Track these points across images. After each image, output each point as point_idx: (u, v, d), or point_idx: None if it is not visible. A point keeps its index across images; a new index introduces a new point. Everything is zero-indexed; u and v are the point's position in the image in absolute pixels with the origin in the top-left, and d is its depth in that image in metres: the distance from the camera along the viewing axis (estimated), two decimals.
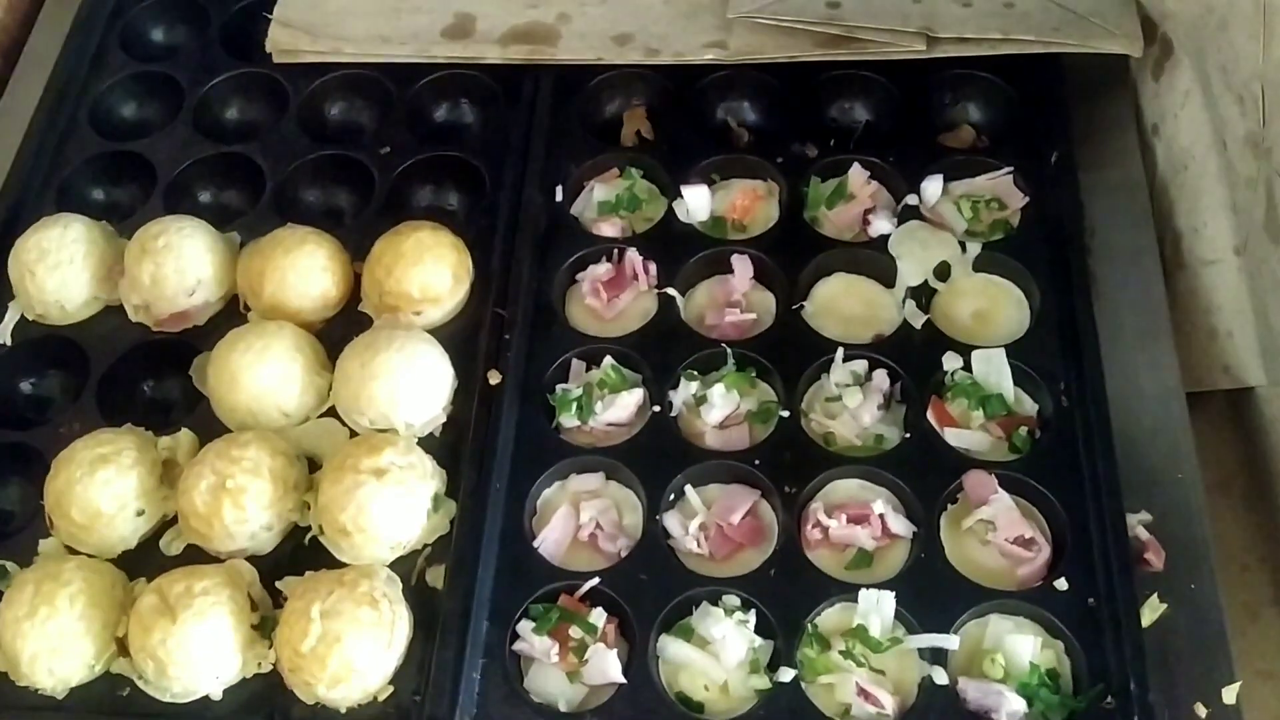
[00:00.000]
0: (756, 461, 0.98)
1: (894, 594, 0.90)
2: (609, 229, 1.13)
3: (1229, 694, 0.88)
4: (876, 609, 0.90)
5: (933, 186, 1.12)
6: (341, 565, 0.96)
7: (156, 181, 1.20)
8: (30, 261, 1.09)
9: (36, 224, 1.13)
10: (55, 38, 1.33)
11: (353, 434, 1.03)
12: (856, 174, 1.14)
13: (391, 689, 0.91)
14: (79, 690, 0.93)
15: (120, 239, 1.14)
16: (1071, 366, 1.01)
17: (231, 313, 1.12)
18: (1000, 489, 0.95)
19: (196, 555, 0.98)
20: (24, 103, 1.29)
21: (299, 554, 0.98)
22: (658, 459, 1.00)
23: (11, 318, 1.12)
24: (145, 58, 1.32)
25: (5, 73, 1.37)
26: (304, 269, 1.07)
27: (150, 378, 1.11)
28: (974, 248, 1.08)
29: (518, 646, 0.92)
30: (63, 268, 1.09)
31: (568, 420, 1.03)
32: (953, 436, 0.99)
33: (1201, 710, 0.87)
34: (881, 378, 1.02)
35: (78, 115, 1.26)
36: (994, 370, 1.01)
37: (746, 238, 1.13)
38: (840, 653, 0.89)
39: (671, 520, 0.97)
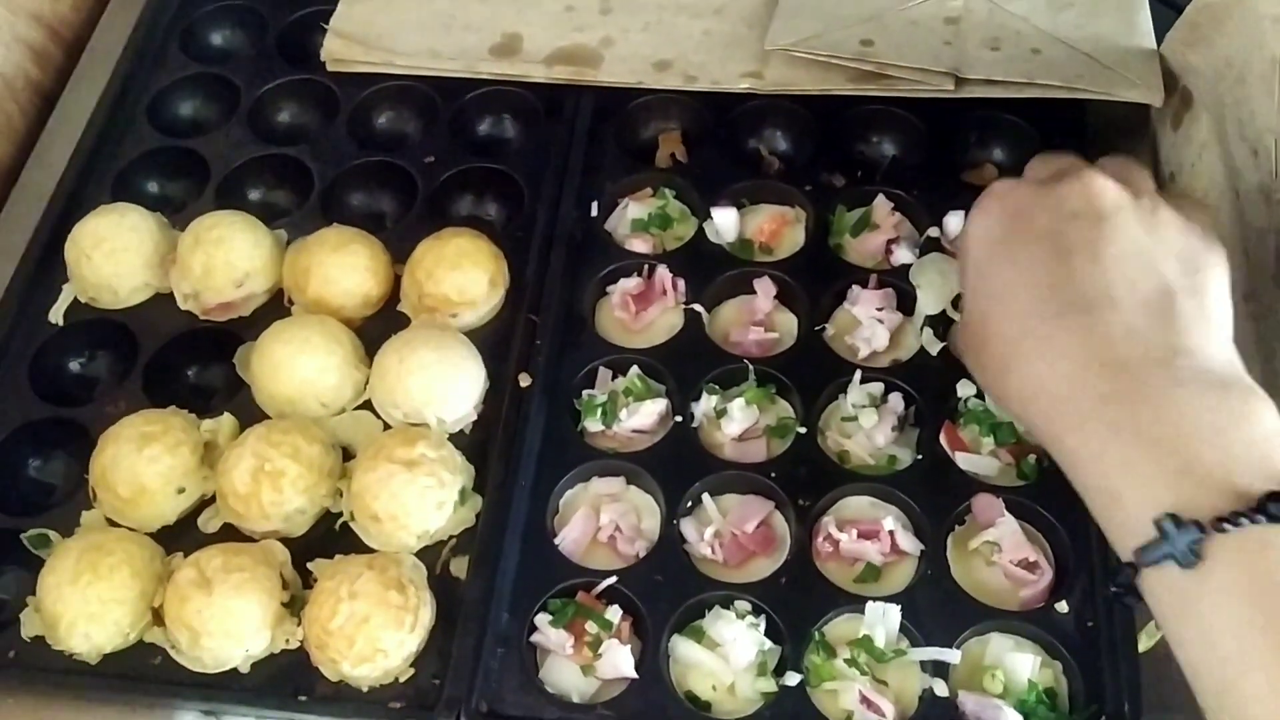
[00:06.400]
0: (772, 474, 1.02)
1: (900, 607, 0.94)
2: (640, 245, 1.18)
3: None
4: (882, 621, 0.93)
5: (955, 221, 1.15)
6: (370, 550, 1.00)
7: (210, 178, 1.25)
8: (87, 246, 1.14)
9: (95, 211, 1.17)
10: (118, 37, 1.39)
11: (386, 427, 1.07)
12: (881, 205, 1.18)
13: (412, 671, 0.94)
14: (112, 657, 0.97)
15: (173, 230, 1.19)
16: None
17: (276, 305, 1.16)
18: (1007, 512, 0.98)
19: (232, 534, 1.02)
20: (85, 97, 1.34)
21: (329, 538, 1.02)
22: (677, 467, 1.03)
23: (65, 299, 1.17)
24: (204, 60, 1.37)
25: (68, 67, 1.43)
26: (348, 268, 1.12)
27: (195, 364, 1.15)
28: None
29: (535, 638, 0.96)
30: (118, 254, 1.14)
31: (592, 425, 1.07)
32: (963, 460, 1.02)
33: None
34: (897, 400, 1.06)
35: (136, 111, 1.31)
36: None
37: (772, 260, 1.17)
38: (845, 661, 0.92)
39: (688, 526, 1.01)
